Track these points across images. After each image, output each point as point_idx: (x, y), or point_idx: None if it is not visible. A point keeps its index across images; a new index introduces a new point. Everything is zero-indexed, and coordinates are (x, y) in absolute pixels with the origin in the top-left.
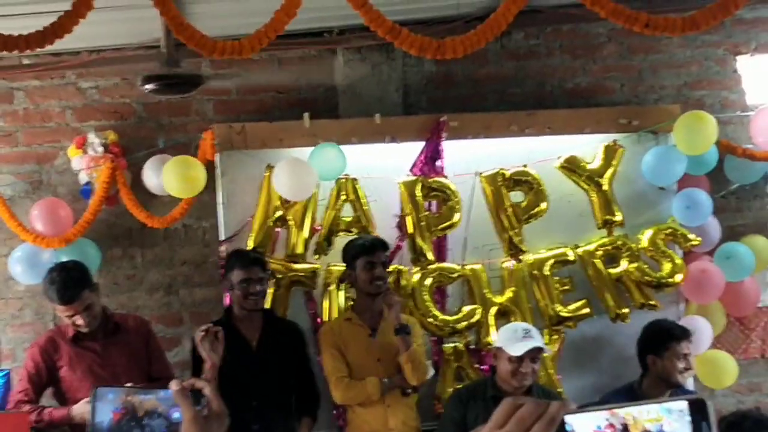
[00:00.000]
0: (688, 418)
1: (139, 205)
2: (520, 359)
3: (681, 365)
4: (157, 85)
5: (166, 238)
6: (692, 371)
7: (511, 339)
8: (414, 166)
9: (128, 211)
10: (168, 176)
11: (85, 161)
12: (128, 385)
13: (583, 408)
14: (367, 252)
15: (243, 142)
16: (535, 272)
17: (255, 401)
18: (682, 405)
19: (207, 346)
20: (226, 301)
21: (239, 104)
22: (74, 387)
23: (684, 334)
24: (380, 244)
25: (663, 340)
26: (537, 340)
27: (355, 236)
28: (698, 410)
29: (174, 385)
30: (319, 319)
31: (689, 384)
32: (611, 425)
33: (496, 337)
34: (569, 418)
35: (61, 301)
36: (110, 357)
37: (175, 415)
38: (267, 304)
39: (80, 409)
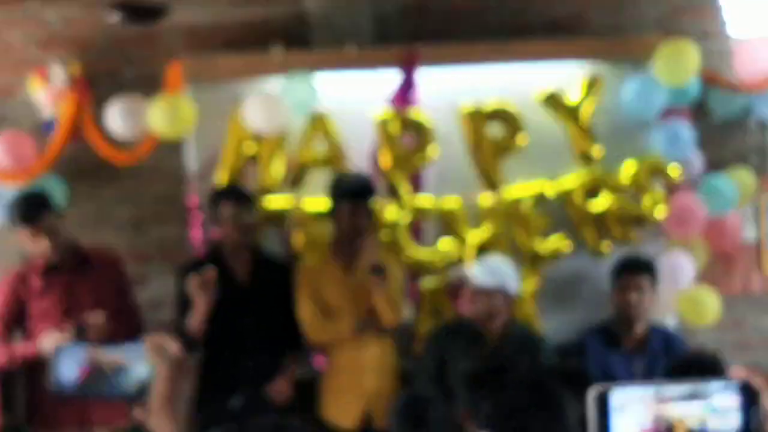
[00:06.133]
0: (737, 402)
1: (105, 139)
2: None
3: (623, 298)
4: (122, 14)
5: (134, 174)
6: (635, 304)
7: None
8: (389, 98)
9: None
10: (156, 116)
11: (49, 94)
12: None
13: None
14: (354, 196)
15: (211, 74)
16: (514, 208)
17: (246, 338)
18: (729, 399)
19: (198, 290)
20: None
21: (208, 35)
22: (41, 320)
23: (624, 267)
24: (369, 191)
25: (612, 273)
26: (482, 272)
27: (345, 173)
28: (748, 394)
29: (149, 342)
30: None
31: (669, 322)
32: (656, 429)
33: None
34: (617, 398)
35: (23, 219)
36: (78, 289)
37: (140, 369)
38: None
39: (48, 341)
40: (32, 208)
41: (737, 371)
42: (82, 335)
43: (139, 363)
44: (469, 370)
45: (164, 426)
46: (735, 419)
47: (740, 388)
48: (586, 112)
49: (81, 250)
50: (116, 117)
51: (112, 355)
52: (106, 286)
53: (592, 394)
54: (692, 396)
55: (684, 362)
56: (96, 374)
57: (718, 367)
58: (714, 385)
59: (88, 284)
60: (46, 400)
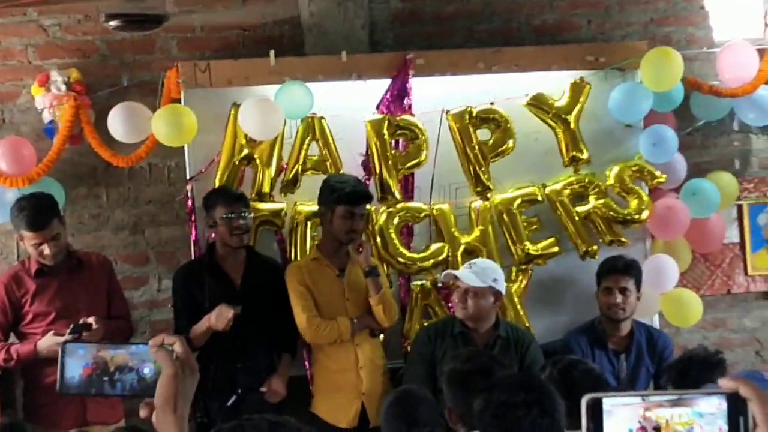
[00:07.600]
0: (725, 411)
1: (103, 143)
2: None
3: (607, 300)
4: (120, 21)
5: (131, 177)
6: (620, 305)
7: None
8: (381, 104)
9: (92, 149)
10: (159, 124)
11: (48, 100)
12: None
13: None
14: (349, 202)
15: (208, 80)
16: (503, 211)
17: (239, 339)
18: (716, 405)
19: (215, 322)
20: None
21: (204, 42)
22: (36, 321)
23: (609, 268)
24: (365, 196)
25: (597, 276)
26: (471, 274)
27: (340, 176)
28: (736, 405)
29: (152, 342)
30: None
31: (655, 322)
32: (643, 428)
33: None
34: (607, 403)
35: (31, 227)
36: (72, 291)
37: (146, 369)
38: None
39: (46, 342)
40: (40, 216)
41: (726, 382)
42: (79, 336)
43: (144, 362)
44: (457, 370)
45: (168, 425)
46: (722, 425)
47: (728, 396)
48: (574, 116)
49: (75, 253)
50: (118, 121)
51: (117, 353)
52: (99, 288)
53: (585, 401)
54: (680, 402)
55: (685, 360)
56: (101, 373)
57: (719, 366)
58: (701, 394)
59: (81, 286)
60: (43, 399)
